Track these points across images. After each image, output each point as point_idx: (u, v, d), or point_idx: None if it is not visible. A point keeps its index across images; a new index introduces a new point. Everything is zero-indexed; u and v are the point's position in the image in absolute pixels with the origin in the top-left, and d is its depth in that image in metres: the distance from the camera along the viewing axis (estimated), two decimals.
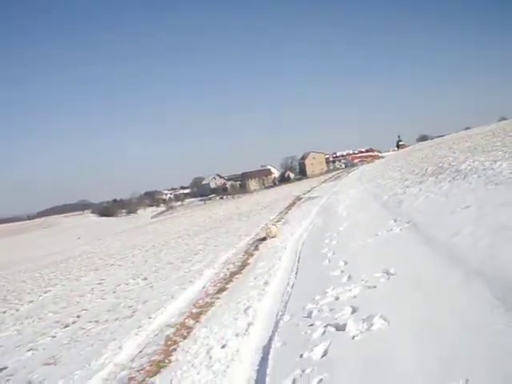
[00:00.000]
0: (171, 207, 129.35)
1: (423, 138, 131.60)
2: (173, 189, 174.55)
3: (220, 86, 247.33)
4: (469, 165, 16.02)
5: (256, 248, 14.48)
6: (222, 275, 11.45)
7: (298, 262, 10.82)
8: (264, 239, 15.78)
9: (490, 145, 21.98)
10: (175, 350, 6.71)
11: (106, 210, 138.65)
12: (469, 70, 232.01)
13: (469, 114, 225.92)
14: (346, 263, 8.93)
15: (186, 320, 8.09)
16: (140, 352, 7.00)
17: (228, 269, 12.09)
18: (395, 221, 11.77)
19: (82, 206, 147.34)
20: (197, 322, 7.89)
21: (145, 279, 13.62)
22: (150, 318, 8.63)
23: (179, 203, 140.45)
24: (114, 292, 12.55)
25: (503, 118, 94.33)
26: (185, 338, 7.17)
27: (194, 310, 8.62)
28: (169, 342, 7.10)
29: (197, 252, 16.98)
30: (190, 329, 7.59)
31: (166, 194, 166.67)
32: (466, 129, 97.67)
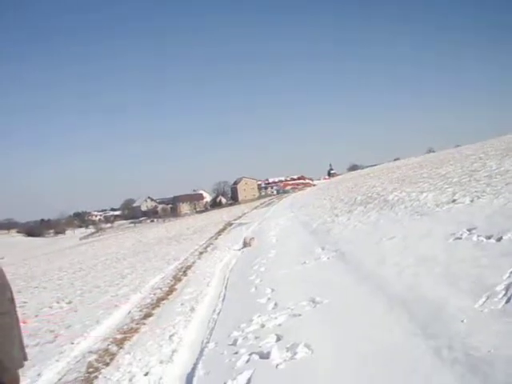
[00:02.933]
0: (101, 229, 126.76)
1: (354, 168, 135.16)
2: (103, 210, 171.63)
3: (154, 109, 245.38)
4: (396, 195, 16.49)
5: (184, 273, 14.31)
6: (148, 300, 11.21)
7: (226, 288, 10.76)
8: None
9: (417, 176, 22.68)
10: (96, 377, 6.48)
11: (33, 229, 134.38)
12: (399, 104, 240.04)
13: (399, 145, 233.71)
14: (273, 290, 8.96)
15: (110, 346, 7.84)
16: (59, 380, 6.71)
17: (155, 294, 11.86)
18: (323, 249, 11.95)
19: (7, 225, 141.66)
20: (120, 348, 7.66)
21: (69, 303, 13.18)
22: (72, 343, 8.31)
23: (109, 225, 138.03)
24: (36, 316, 12.06)
25: (431, 151, 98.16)
26: (107, 364, 6.94)
27: (119, 336, 8.37)
28: (90, 369, 6.85)
29: (124, 276, 16.63)
30: (113, 355, 7.35)
31: (96, 216, 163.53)
32: (396, 160, 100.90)
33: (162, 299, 11.07)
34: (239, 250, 17.30)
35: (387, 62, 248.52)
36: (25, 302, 14.71)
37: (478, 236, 7.48)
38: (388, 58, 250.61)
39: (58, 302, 13.67)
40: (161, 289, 12.45)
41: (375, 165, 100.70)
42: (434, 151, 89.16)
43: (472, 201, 10.36)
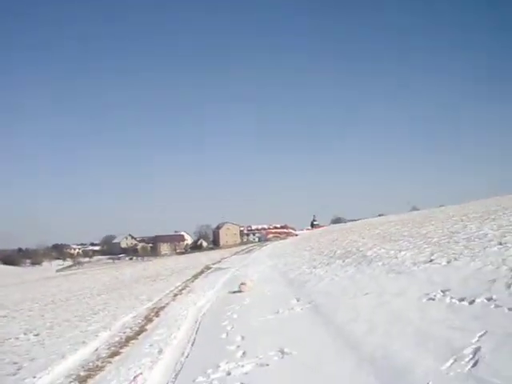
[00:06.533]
0: (78, 262, 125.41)
1: (337, 220, 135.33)
2: (82, 244, 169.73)
3: (141, 149, 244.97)
4: (375, 252, 16.57)
5: (157, 314, 14.12)
6: (117, 339, 11.03)
7: (197, 332, 10.61)
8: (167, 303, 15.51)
9: (398, 234, 22.78)
10: None
11: (10, 258, 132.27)
12: (386, 160, 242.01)
13: (383, 200, 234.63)
14: (243, 338, 8.91)
15: (72, 383, 7.71)
16: None
17: (125, 333, 11.68)
18: (298, 300, 11.95)
19: None
20: None
21: (37, 335, 12.99)
22: (34, 377, 8.14)
23: (87, 259, 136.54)
24: (0, 346, 11.85)
25: (415, 208, 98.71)
26: None
27: (82, 373, 8.22)
28: None
29: (96, 312, 16.40)
30: None
31: (75, 249, 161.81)
32: (379, 215, 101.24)
33: (132, 338, 10.90)
34: (217, 294, 17.17)
35: (373, 114, 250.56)
36: None
37: (452, 298, 7.54)
38: (373, 112, 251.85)
39: (25, 334, 13.48)
40: (131, 328, 12.26)
41: (359, 219, 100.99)
42: (417, 209, 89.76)
43: (449, 262, 10.43)
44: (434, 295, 8.04)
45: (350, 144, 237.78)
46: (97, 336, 11.47)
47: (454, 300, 7.41)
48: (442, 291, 8.11)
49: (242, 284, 16.46)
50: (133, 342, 10.58)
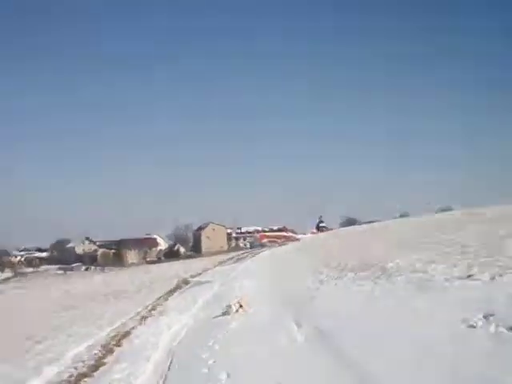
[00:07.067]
0: (20, 274, 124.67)
1: (350, 222, 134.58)
2: (26, 250, 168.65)
3: (111, 134, 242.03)
4: (397, 263, 16.46)
5: (118, 343, 14.00)
6: (66, 376, 10.88)
7: (169, 368, 10.46)
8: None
9: (425, 240, 22.66)
10: None
11: None
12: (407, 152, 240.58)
13: (407, 198, 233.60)
14: (228, 376, 8.77)
15: None
16: None
17: (76, 368, 11.53)
18: (299, 326, 11.81)
19: None
20: None
21: None
22: None
23: (31, 270, 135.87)
24: None
25: (447, 209, 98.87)
26: None
27: None
28: None
29: (40, 341, 16.23)
30: None
31: (16, 256, 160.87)
32: (402, 216, 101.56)
33: (85, 376, 10.75)
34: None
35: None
36: None
37: (497, 325, 7.41)
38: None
39: None
40: (84, 362, 12.10)
41: (375, 221, 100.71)
42: (451, 209, 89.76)
43: (493, 278, 10.34)
44: (475, 322, 7.92)
45: (365, 129, 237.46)
46: (39, 374, 11.27)
47: (500, 328, 7.30)
48: (484, 317, 8.00)
49: (233, 304, 16.31)
50: (86, 380, 10.44)
